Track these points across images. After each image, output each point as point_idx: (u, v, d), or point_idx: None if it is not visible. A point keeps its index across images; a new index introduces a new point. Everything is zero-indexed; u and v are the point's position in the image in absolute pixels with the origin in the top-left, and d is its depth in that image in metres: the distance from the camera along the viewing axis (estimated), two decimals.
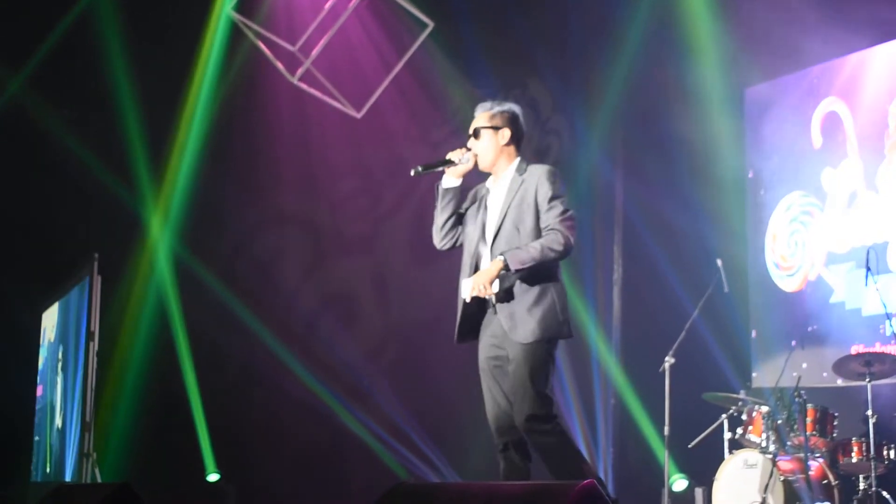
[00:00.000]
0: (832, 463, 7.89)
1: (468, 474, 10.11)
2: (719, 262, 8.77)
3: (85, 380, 8.45)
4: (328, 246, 10.71)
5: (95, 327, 8.64)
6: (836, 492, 7.72)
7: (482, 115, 5.64)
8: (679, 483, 9.29)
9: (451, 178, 5.64)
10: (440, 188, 5.68)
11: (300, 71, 9.56)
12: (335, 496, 10.02)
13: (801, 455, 7.71)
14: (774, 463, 7.66)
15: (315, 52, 9.43)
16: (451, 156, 5.59)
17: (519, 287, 5.46)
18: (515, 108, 5.68)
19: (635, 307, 10.58)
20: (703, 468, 8.70)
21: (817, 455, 7.90)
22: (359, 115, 10.00)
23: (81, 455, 8.35)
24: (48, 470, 9.98)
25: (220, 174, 10.16)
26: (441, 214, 5.72)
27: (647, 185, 10.34)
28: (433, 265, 10.39)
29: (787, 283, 9.72)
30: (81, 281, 8.88)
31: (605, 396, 10.32)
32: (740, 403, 8.27)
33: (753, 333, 9.80)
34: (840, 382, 8.28)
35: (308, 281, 10.61)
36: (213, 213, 10.20)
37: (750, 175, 10.05)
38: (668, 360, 8.47)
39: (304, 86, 9.79)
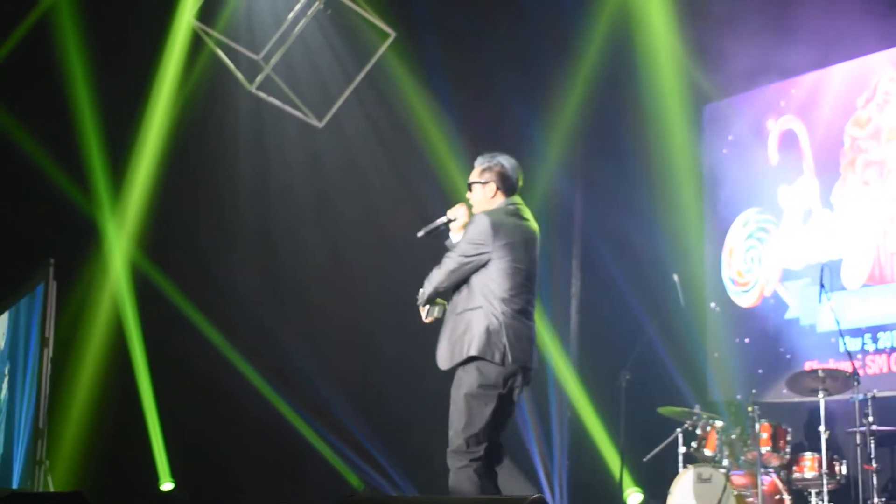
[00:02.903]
0: (785, 478, 7.95)
1: (426, 488, 10.08)
2: (676, 277, 8.82)
3: (39, 387, 8.35)
4: (285, 255, 10.66)
5: (50, 333, 8.54)
6: None
7: (475, 170, 5.83)
8: (633, 497, 9.33)
9: (455, 235, 5.82)
10: (449, 244, 5.83)
11: (258, 79, 9.54)
12: None
13: (755, 470, 7.76)
14: (728, 477, 7.71)
15: (273, 61, 9.41)
16: (449, 213, 5.81)
17: None
18: (504, 161, 5.78)
19: (592, 321, 10.63)
20: (657, 482, 8.74)
21: (770, 470, 7.96)
22: (320, 125, 9.99)
23: (34, 463, 8.25)
24: None
25: (178, 181, 10.09)
26: None
27: (605, 201, 10.40)
28: (393, 276, 10.38)
29: (743, 298, 9.79)
30: (37, 286, 8.78)
31: (560, 409, 10.34)
32: (695, 418, 8.32)
33: (716, 355, 9.85)
34: (794, 398, 8.35)
35: (265, 290, 10.55)
36: (170, 219, 10.12)
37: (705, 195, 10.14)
38: (625, 375, 8.52)
39: (262, 94, 9.77)
